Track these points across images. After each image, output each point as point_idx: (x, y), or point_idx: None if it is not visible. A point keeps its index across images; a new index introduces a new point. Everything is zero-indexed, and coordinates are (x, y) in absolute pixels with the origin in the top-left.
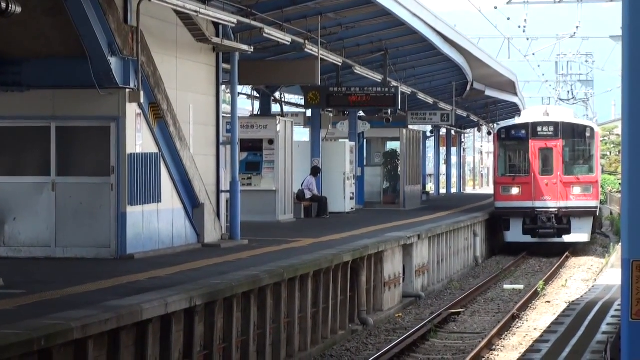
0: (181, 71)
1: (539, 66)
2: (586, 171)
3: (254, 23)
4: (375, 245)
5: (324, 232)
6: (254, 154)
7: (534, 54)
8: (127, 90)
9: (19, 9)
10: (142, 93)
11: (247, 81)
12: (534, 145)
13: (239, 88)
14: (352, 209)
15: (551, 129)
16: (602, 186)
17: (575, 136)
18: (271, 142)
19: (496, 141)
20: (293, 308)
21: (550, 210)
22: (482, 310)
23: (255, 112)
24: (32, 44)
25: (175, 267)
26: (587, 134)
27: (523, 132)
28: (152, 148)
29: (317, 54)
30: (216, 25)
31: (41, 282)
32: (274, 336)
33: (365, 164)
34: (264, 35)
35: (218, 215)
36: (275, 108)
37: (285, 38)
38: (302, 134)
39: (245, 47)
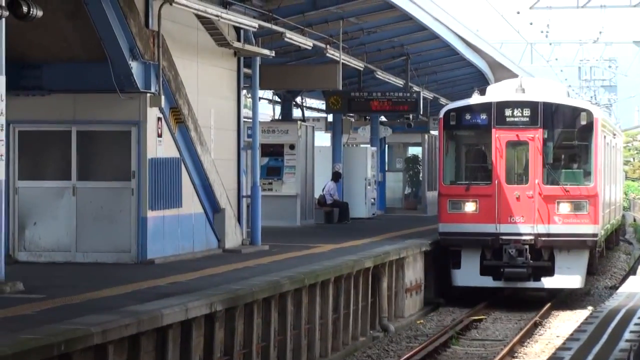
0: (202, 76)
1: (561, 71)
2: (579, 179)
3: (275, 27)
4: (396, 251)
5: (345, 237)
6: (275, 159)
7: (556, 59)
8: (148, 94)
9: (40, 13)
10: (163, 97)
11: (268, 86)
12: (500, 138)
13: (260, 93)
14: (373, 214)
15: (527, 112)
16: (625, 193)
17: (565, 124)
18: (292, 147)
19: (441, 130)
20: (314, 314)
21: (524, 238)
22: (504, 317)
23: (277, 117)
24: (52, 48)
25: (196, 272)
26: (583, 121)
27: (483, 117)
28: (173, 153)
29: (338, 59)
30: (237, 29)
31: (61, 287)
32: (295, 342)
33: (386, 169)
34: (286, 39)
35: (239, 220)
36: (297, 113)
37: (306, 42)
38: (323, 139)
39: (266, 52)
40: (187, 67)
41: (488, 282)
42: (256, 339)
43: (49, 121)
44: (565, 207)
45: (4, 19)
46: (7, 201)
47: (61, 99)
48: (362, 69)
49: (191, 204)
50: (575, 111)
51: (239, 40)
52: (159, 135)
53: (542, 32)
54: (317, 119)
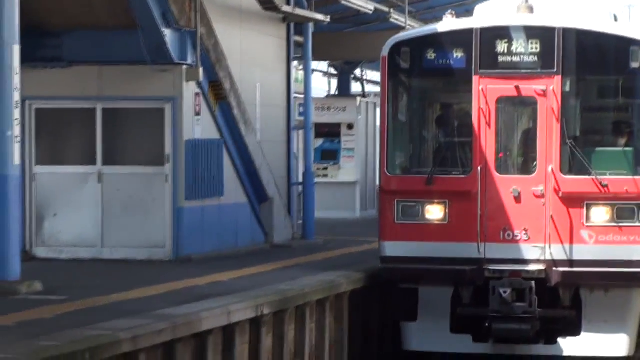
0: (246, 45)
1: None
2: (627, 164)
3: None
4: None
5: None
6: (330, 141)
7: None
8: (184, 66)
9: None
10: (201, 70)
11: (322, 56)
12: (487, 93)
13: (314, 64)
14: None
15: (534, 46)
16: None
17: (601, 68)
18: (350, 126)
19: (385, 79)
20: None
21: (527, 269)
22: None
23: (333, 93)
24: (75, 13)
25: (239, 271)
26: (635, 63)
27: (458, 55)
28: (213, 133)
29: (404, 24)
30: None
31: (85, 287)
32: (352, 349)
33: None
34: (343, 2)
35: (289, 211)
36: (356, 87)
37: (367, 6)
38: None
39: (320, 17)
40: (229, 35)
41: (464, 345)
42: (309, 346)
43: (71, 97)
44: (601, 215)
45: None
46: (23, 189)
47: (84, 72)
48: None
49: (234, 192)
50: (620, 44)
51: (288, 3)
52: (197, 114)
53: None
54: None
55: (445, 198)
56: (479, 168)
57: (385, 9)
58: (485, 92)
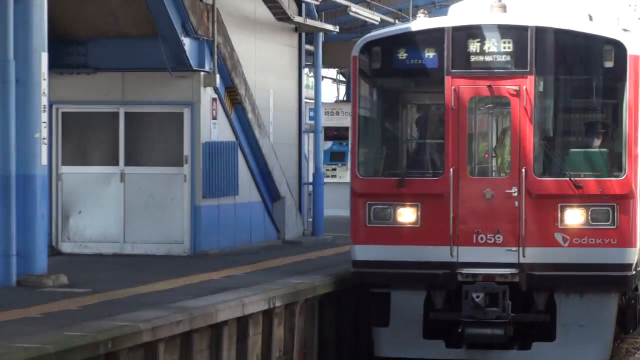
0: (260, 53)
1: None
2: (602, 165)
3: (339, 1)
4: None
5: None
6: (339, 143)
7: None
8: (202, 73)
9: None
10: (218, 76)
11: (332, 64)
12: (459, 93)
13: (323, 71)
14: None
15: (507, 46)
16: None
17: (575, 68)
18: None
19: (356, 79)
20: None
21: (501, 272)
22: None
23: (341, 98)
24: (99, 23)
25: (253, 265)
26: (608, 62)
27: (430, 54)
28: (228, 136)
29: None
30: (299, 2)
31: (108, 281)
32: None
33: None
34: (351, 14)
35: (300, 209)
36: None
37: (373, 17)
38: None
39: (330, 27)
40: (244, 43)
41: (437, 351)
42: (317, 337)
43: (95, 102)
44: (575, 217)
45: None
46: (50, 188)
47: (108, 78)
48: None
49: (248, 191)
50: (594, 43)
51: (300, 14)
52: (214, 118)
53: None
54: None
55: (417, 201)
56: (451, 170)
57: (391, 19)
58: (457, 93)
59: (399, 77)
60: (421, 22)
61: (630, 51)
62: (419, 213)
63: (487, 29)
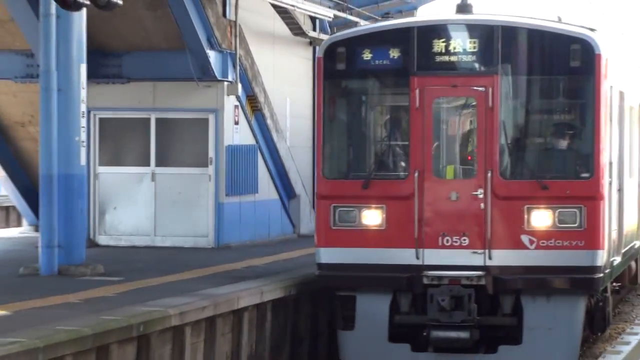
0: (278, 64)
1: None
2: (569, 167)
3: (350, 17)
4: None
5: None
6: None
7: None
8: (226, 83)
9: (120, 2)
10: (240, 86)
11: None
12: (424, 93)
13: None
14: None
15: (473, 44)
16: None
17: (543, 67)
18: None
19: (321, 79)
20: None
21: (466, 274)
22: None
23: None
24: (132, 37)
25: (271, 257)
26: (575, 61)
27: (395, 55)
28: (249, 140)
29: None
30: (313, 19)
31: (140, 270)
32: None
33: None
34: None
35: (313, 206)
36: None
37: None
38: None
39: None
40: (263, 55)
41: (403, 355)
42: (326, 324)
43: (129, 108)
44: (542, 219)
45: (85, 9)
46: (88, 187)
47: (141, 87)
48: None
49: (267, 190)
50: (561, 42)
51: (314, 29)
52: (236, 123)
53: None
54: None
55: (382, 203)
56: (416, 172)
57: None
58: (423, 93)
59: (364, 77)
60: (386, 22)
61: (598, 50)
62: (384, 215)
63: (453, 28)
